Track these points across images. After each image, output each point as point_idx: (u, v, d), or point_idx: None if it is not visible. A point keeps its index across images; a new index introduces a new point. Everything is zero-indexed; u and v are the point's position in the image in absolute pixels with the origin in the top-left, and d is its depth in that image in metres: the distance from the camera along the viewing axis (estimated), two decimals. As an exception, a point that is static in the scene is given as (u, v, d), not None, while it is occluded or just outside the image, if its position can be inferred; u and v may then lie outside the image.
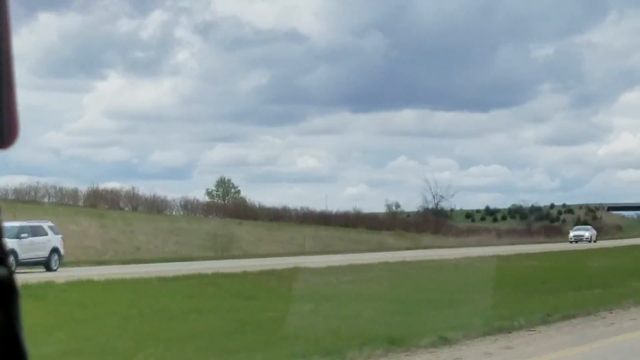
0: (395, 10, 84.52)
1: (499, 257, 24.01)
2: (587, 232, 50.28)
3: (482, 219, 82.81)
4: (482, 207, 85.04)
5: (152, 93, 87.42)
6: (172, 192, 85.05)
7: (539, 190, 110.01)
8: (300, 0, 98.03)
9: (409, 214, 62.36)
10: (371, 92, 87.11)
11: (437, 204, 59.71)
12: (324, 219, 49.84)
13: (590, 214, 78.98)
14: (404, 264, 20.50)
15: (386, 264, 20.35)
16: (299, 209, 50.91)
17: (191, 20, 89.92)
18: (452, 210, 70.81)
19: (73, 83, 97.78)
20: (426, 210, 60.81)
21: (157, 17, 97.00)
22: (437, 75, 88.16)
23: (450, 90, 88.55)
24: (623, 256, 27.20)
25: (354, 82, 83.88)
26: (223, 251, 33.56)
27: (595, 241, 46.35)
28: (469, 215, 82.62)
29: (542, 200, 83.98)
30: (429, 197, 57.21)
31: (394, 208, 62.70)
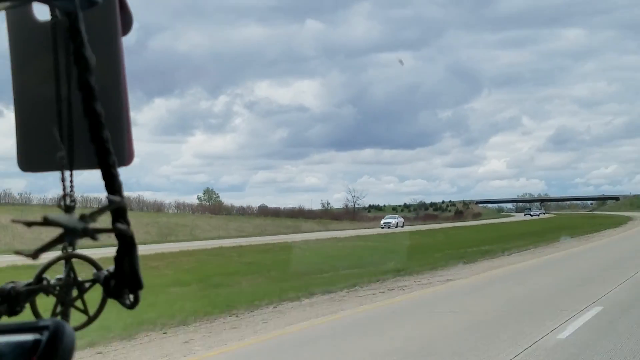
0: (359, 92, 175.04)
1: (348, 237, 31.13)
2: (394, 220, 58.72)
3: (395, 209, 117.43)
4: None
5: (221, 143, 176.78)
6: (233, 200, 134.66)
7: (444, 193, 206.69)
8: (305, 86, 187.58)
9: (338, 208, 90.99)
10: (346, 139, 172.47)
11: (354, 203, 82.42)
12: (276, 213, 68.18)
13: (465, 206, 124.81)
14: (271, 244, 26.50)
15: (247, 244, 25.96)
16: (258, 206, 70.70)
17: (242, 100, 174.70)
18: (370, 206, 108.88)
19: (175, 138, 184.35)
20: (347, 206, 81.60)
21: (222, 99, 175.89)
22: (385, 128, 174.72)
23: (392, 137, 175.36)
24: (430, 236, 35.99)
25: (336, 134, 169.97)
26: (166, 237, 39.90)
27: (402, 227, 54.58)
28: (394, 208, 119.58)
29: (444, 198, 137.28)
30: (350, 198, 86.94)
31: (325, 205, 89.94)
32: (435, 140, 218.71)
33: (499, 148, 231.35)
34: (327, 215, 74.13)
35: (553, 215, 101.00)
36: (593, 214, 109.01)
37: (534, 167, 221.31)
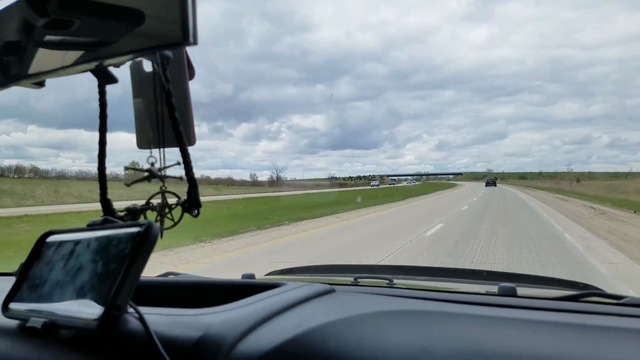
0: (344, 121, 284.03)
1: (244, 199, 35.13)
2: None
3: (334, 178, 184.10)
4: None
5: (274, 146, 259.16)
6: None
7: (384, 172, 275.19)
8: (316, 118, 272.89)
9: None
10: (336, 144, 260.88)
11: (277, 175, 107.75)
12: (231, 182, 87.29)
13: (382, 178, 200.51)
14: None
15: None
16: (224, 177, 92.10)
17: (285, 124, 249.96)
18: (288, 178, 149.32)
19: (252, 143, 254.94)
20: (272, 177, 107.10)
21: (276, 124, 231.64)
22: (356, 139, 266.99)
23: (360, 143, 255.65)
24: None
25: (331, 141, 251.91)
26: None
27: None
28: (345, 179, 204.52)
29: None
30: (274, 172, 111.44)
31: (255, 177, 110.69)
32: (380, 145, 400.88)
33: (411, 150, 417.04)
34: (260, 184, 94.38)
35: (419, 183, 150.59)
36: (444, 182, 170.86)
37: (428, 159, 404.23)
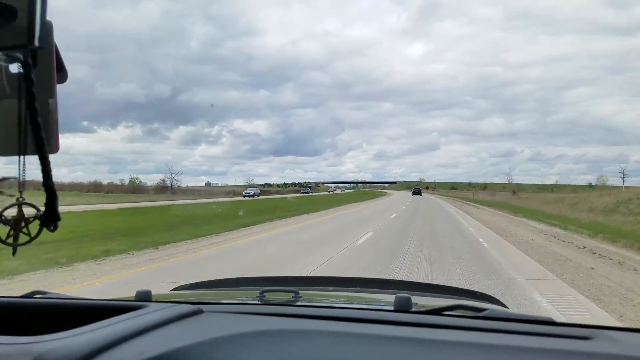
0: (287, 127, 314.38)
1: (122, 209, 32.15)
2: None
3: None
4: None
5: (214, 150, 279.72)
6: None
7: (322, 179, 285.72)
8: (259, 123, 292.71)
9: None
10: (279, 150, 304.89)
11: (172, 181, 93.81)
12: (138, 189, 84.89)
13: (317, 185, 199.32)
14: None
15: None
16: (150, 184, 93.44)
17: (227, 129, 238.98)
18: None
19: (190, 146, 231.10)
20: (164, 183, 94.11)
21: (216, 128, 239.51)
22: (299, 146, 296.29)
23: (306, 150, 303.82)
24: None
25: (274, 147, 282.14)
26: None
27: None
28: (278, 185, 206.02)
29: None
30: (168, 177, 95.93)
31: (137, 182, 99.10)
32: (322, 152, 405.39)
33: (351, 158, 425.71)
34: (138, 190, 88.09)
35: (351, 192, 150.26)
36: (376, 191, 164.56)
37: (367, 168, 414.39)
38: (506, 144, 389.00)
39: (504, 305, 1.95)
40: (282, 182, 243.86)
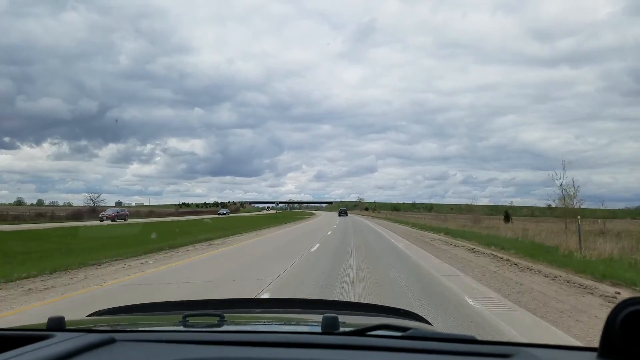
0: (224, 147, 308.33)
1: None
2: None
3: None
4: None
5: (148, 169, 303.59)
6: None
7: (260, 199, 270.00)
8: (195, 142, 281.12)
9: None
10: (216, 170, 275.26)
11: (94, 203, 75.44)
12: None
13: (242, 205, 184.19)
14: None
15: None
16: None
17: (160, 147, 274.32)
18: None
19: (121, 165, 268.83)
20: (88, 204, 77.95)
21: (149, 146, 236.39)
22: (237, 166, 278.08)
23: (245, 170, 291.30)
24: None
25: (211, 167, 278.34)
26: None
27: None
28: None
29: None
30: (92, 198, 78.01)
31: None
32: (262, 173, 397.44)
33: (291, 179, 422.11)
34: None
35: (275, 212, 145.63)
36: (304, 211, 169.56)
37: (307, 188, 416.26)
38: (440, 167, 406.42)
39: (427, 322, 2.00)
40: (202, 202, 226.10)
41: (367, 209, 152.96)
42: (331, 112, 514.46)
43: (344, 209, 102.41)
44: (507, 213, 56.50)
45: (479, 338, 1.25)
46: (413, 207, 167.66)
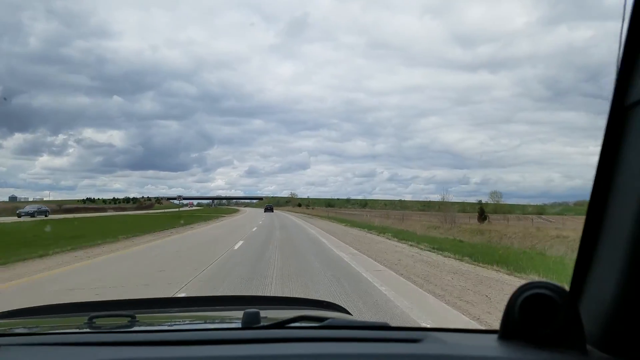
0: (146, 139, 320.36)
1: None
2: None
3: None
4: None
5: (59, 162, 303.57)
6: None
7: (187, 194, 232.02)
8: (114, 133, 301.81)
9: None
10: (138, 164, 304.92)
11: None
12: None
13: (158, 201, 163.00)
14: None
15: None
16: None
17: (74, 138, 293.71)
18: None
19: (29, 157, 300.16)
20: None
21: (61, 137, 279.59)
22: (161, 159, 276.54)
23: (171, 165, 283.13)
24: None
25: (132, 160, 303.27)
26: None
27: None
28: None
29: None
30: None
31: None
32: (189, 168, 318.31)
33: (222, 174, 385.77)
34: None
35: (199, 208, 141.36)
36: (231, 207, 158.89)
37: (238, 184, 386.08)
38: (369, 165, 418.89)
39: (347, 313, 2.02)
40: (112, 198, 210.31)
41: (299, 205, 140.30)
42: (264, 107, 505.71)
43: (270, 205, 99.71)
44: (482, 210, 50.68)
45: (392, 324, 1.32)
46: (347, 202, 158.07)
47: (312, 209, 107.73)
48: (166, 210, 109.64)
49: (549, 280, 1.07)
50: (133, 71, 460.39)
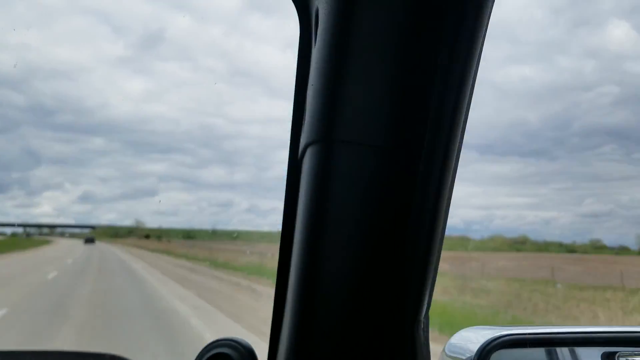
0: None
1: None
2: None
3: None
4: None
5: None
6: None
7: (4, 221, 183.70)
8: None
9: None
10: None
11: None
12: None
13: None
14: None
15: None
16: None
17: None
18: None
19: None
20: None
21: None
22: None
23: None
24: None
25: None
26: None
27: None
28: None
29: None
30: None
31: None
32: (8, 190, 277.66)
33: (49, 199, 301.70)
34: None
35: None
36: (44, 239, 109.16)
37: (69, 211, 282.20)
38: (226, 195, 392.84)
39: None
40: None
41: (147, 237, 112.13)
42: (106, 125, 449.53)
43: (91, 237, 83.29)
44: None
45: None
46: (213, 235, 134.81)
47: (168, 242, 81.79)
48: None
49: (234, 337, 1.05)
50: None
